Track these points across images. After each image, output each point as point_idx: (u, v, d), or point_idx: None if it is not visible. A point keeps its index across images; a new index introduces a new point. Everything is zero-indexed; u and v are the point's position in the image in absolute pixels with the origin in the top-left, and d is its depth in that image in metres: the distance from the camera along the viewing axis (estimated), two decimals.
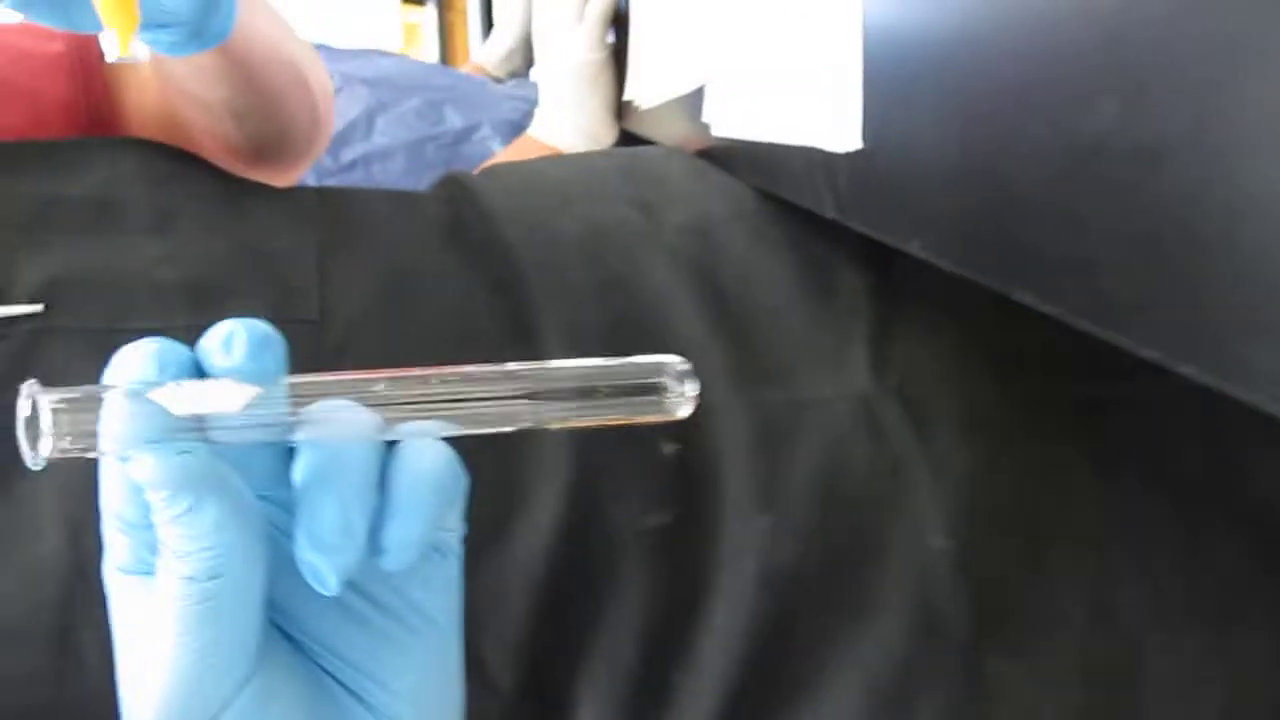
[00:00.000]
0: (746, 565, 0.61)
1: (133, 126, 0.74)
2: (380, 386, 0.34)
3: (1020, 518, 0.65)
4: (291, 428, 0.33)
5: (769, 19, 0.63)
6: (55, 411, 0.31)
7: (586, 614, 0.59)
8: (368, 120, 1.17)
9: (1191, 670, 0.65)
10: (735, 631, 0.60)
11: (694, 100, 0.80)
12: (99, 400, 0.31)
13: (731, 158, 0.71)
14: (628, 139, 1.03)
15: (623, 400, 0.35)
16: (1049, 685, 0.63)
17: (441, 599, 0.38)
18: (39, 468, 0.32)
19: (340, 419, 0.33)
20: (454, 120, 1.19)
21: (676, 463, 0.61)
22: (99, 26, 0.45)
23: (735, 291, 0.66)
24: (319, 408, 0.33)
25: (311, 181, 1.15)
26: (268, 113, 0.68)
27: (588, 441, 0.59)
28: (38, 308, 0.54)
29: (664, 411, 0.35)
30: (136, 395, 0.32)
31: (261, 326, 0.34)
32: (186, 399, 0.32)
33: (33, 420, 0.31)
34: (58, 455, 0.32)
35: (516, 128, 1.18)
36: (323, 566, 0.34)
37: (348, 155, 1.17)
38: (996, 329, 0.68)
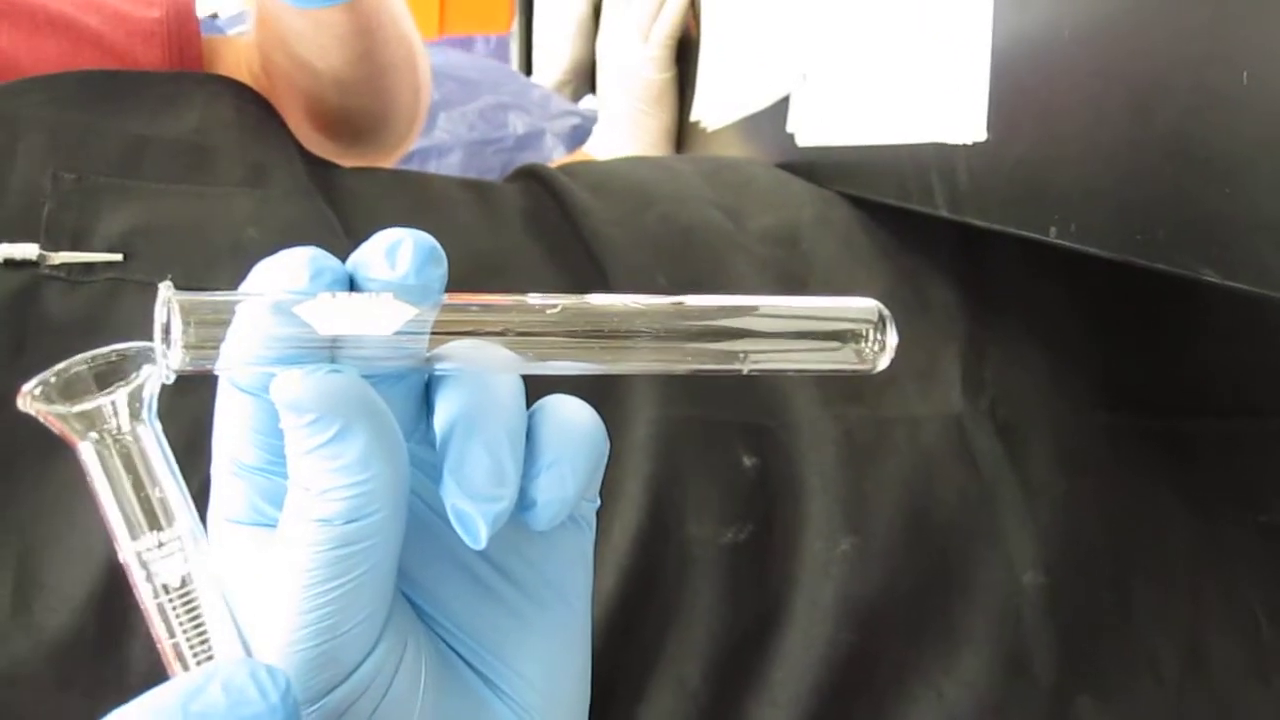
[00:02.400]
0: (825, 590, 0.57)
1: None
2: (554, 311, 0.30)
3: (1114, 557, 0.62)
4: (431, 359, 0.29)
5: (874, 22, 0.61)
6: (189, 320, 0.27)
7: (653, 633, 0.56)
8: (430, 114, 1.15)
9: None
10: (810, 660, 0.56)
11: (771, 116, 0.77)
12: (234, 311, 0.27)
13: (818, 167, 0.69)
14: None
15: (811, 346, 0.31)
16: None
17: (576, 575, 0.33)
18: (170, 381, 0.28)
19: (486, 353, 0.29)
20: (517, 126, 1.17)
21: (757, 477, 0.58)
22: None
23: None
24: (461, 344, 0.29)
25: None
26: (375, 89, 0.65)
27: (668, 446, 0.56)
28: (116, 257, 0.51)
29: (862, 361, 0.31)
30: (280, 308, 0.28)
31: (429, 239, 0.30)
32: (337, 315, 0.28)
33: (165, 328, 0.27)
34: (190, 369, 0.28)
35: (576, 144, 1.17)
36: (474, 514, 0.30)
37: None
38: (1087, 358, 0.65)
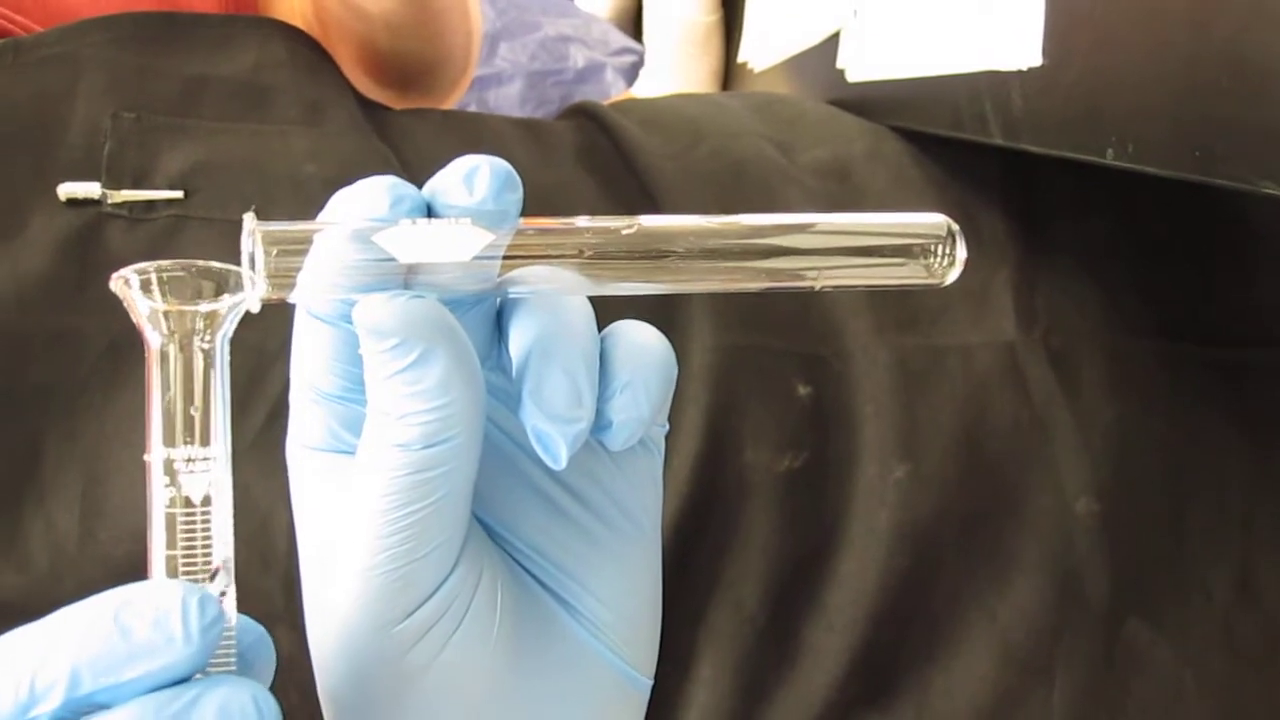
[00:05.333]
0: (880, 516, 0.58)
1: None
2: (629, 231, 0.30)
3: (1166, 484, 0.62)
4: (506, 282, 0.30)
5: None
6: (273, 250, 0.27)
7: (711, 558, 0.57)
8: (491, 42, 1.15)
9: None
10: (866, 584, 0.57)
11: (820, 54, 0.77)
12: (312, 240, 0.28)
13: (869, 102, 0.69)
14: None
15: (882, 261, 0.31)
16: (1191, 657, 0.60)
17: (647, 497, 0.34)
18: (256, 310, 0.29)
19: (562, 275, 0.30)
20: (578, 59, 1.17)
21: (812, 405, 0.58)
22: None
23: None
24: (536, 268, 0.30)
25: None
26: (426, 33, 0.66)
27: (725, 374, 0.57)
28: (177, 194, 0.52)
29: (931, 276, 0.32)
30: (359, 236, 0.28)
31: (506, 164, 0.30)
32: (417, 242, 0.28)
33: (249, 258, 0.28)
34: (274, 298, 0.28)
35: (633, 81, 1.17)
36: (555, 435, 0.30)
37: None
38: (1139, 287, 0.65)
